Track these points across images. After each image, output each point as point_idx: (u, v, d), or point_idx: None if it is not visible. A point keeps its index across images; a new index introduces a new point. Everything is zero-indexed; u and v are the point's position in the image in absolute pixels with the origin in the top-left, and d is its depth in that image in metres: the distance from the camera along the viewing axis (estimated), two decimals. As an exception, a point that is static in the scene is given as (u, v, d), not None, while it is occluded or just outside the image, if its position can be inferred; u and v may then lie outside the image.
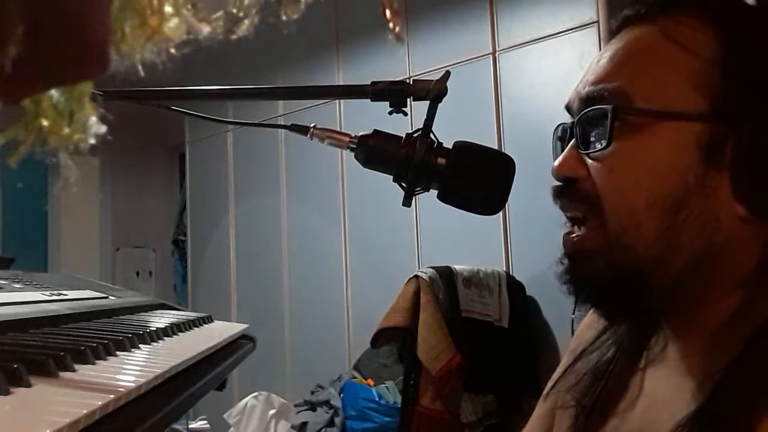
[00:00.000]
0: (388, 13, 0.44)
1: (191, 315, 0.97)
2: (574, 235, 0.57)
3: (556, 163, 0.58)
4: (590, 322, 0.69)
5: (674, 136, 0.52)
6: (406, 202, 0.59)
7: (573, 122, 0.58)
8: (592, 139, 0.55)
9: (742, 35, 0.53)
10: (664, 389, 0.55)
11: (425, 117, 0.58)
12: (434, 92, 0.58)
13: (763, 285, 0.51)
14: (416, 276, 2.23)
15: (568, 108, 0.60)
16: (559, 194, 0.58)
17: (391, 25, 0.45)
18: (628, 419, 0.57)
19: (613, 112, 0.52)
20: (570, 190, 0.57)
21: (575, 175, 0.56)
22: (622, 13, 0.58)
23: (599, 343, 0.65)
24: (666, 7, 0.56)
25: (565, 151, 0.57)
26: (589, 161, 0.56)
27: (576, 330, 0.70)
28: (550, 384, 0.71)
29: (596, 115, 0.54)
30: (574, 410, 0.63)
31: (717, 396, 0.48)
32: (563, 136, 0.60)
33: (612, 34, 0.59)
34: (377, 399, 2.47)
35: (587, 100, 0.56)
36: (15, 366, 0.44)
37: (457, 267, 2.33)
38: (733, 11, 0.54)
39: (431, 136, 0.58)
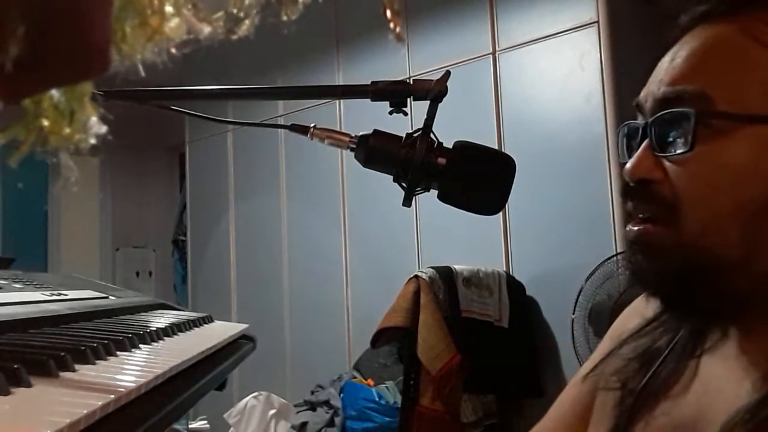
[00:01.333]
0: (388, 13, 0.44)
1: (191, 315, 0.97)
2: (641, 227, 0.55)
3: (630, 164, 0.55)
4: (634, 311, 0.68)
5: (759, 140, 0.51)
6: (406, 202, 0.59)
7: (646, 122, 0.56)
8: (671, 141, 0.53)
9: None
10: (722, 379, 0.55)
11: (425, 117, 0.58)
12: (434, 92, 0.58)
13: None
14: (416, 276, 2.23)
15: (638, 106, 0.58)
16: (631, 195, 0.56)
17: (391, 25, 0.45)
18: (681, 404, 0.57)
19: (696, 115, 0.51)
20: (644, 192, 0.55)
21: (651, 177, 0.54)
22: (697, 9, 0.56)
23: (649, 329, 0.64)
24: (745, 4, 0.53)
25: (639, 151, 0.55)
26: (667, 164, 0.54)
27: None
28: (588, 365, 0.70)
29: (675, 117, 0.53)
30: (619, 393, 0.62)
31: None
32: (632, 134, 0.58)
33: (684, 29, 0.57)
34: (377, 399, 2.47)
35: (664, 101, 0.54)
36: (15, 366, 0.44)
37: (457, 267, 2.33)
38: None
39: (431, 136, 0.58)
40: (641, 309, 0.66)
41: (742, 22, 0.52)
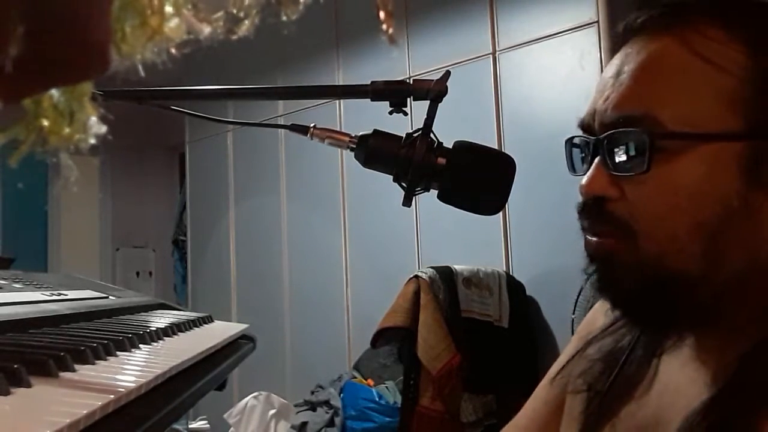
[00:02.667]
0: (382, 14, 0.44)
1: (191, 315, 0.97)
2: (599, 240, 0.55)
3: (585, 180, 0.55)
4: (602, 309, 0.69)
5: (712, 158, 0.50)
6: (406, 202, 0.59)
7: (597, 139, 0.55)
8: (625, 161, 0.53)
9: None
10: (679, 377, 0.55)
11: (425, 117, 0.58)
12: (434, 92, 0.58)
13: None
14: (416, 276, 2.23)
15: (584, 125, 0.58)
16: (586, 213, 0.56)
17: (384, 26, 0.45)
18: (644, 405, 0.57)
19: (649, 137, 0.50)
20: (600, 210, 0.55)
21: (607, 195, 0.54)
22: (636, 19, 0.55)
23: (613, 329, 0.64)
24: (683, 16, 0.53)
25: (593, 168, 0.55)
26: (624, 182, 0.53)
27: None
28: (555, 368, 0.70)
29: (628, 137, 0.52)
30: (586, 395, 0.63)
31: (727, 390, 0.48)
32: (583, 149, 0.58)
33: (623, 39, 0.56)
34: (377, 399, 2.47)
35: (612, 124, 0.54)
36: (15, 366, 0.44)
37: (457, 267, 2.33)
38: (758, 20, 0.52)
39: (431, 136, 0.58)
40: (606, 308, 0.66)
41: (683, 35, 0.52)
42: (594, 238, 0.56)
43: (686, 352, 0.56)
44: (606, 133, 0.54)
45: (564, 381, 0.68)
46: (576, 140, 0.60)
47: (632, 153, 0.52)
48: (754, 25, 0.52)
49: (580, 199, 0.57)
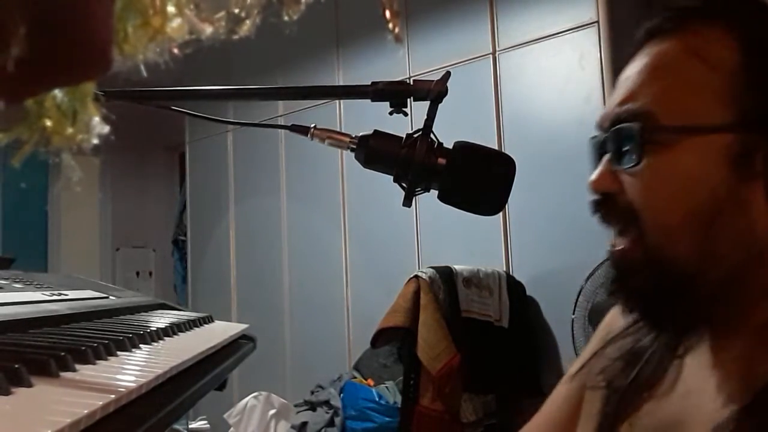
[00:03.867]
0: (387, 13, 0.44)
1: (191, 315, 0.97)
2: (617, 248, 0.58)
3: (592, 177, 0.59)
4: (620, 311, 0.70)
5: (703, 149, 0.52)
6: (407, 203, 0.59)
7: (603, 136, 0.58)
8: (624, 155, 0.56)
9: (763, 44, 0.53)
10: (704, 380, 0.56)
11: (425, 117, 0.58)
12: (434, 92, 0.58)
13: None
14: (416, 276, 2.23)
15: (599, 125, 0.61)
16: (597, 208, 0.59)
17: (390, 25, 0.45)
18: (665, 404, 0.58)
19: (641, 130, 0.54)
20: (607, 204, 0.58)
21: (609, 190, 0.57)
22: (644, 27, 0.59)
23: (634, 329, 0.65)
24: (687, 19, 0.56)
25: (601, 165, 0.58)
26: (624, 177, 0.57)
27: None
28: (576, 365, 0.71)
29: (624, 132, 0.55)
30: (605, 392, 0.63)
31: (758, 402, 0.49)
32: (597, 148, 0.61)
33: (636, 47, 0.60)
34: (377, 399, 2.47)
35: (615, 119, 0.57)
36: (16, 366, 0.44)
37: (457, 267, 2.33)
38: (753, 19, 0.54)
39: (432, 136, 0.58)
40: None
41: (686, 39, 0.55)
42: (613, 250, 0.59)
43: (710, 354, 0.57)
44: (609, 130, 0.57)
45: (583, 378, 0.69)
46: (593, 142, 0.62)
47: (627, 147, 0.55)
48: (748, 26, 0.54)
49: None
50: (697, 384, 0.56)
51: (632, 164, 0.55)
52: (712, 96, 0.53)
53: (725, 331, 0.56)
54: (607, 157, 0.58)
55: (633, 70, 0.58)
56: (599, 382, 0.64)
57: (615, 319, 0.70)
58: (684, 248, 0.53)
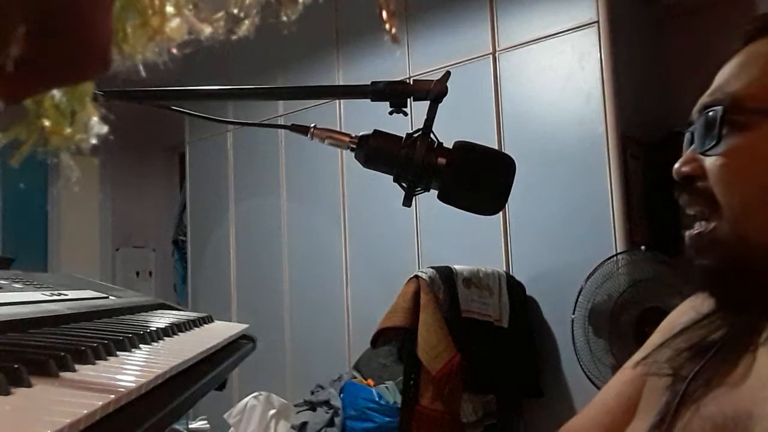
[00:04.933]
0: (384, 14, 0.44)
1: (191, 315, 0.97)
2: (695, 231, 0.61)
3: (676, 164, 0.62)
4: (688, 307, 0.72)
5: None
6: (407, 203, 0.59)
7: (691, 125, 0.62)
8: (706, 140, 0.59)
9: None
10: None
11: (425, 117, 0.58)
12: (434, 92, 0.58)
13: None
14: (416, 276, 2.23)
15: (690, 121, 0.64)
16: (680, 192, 0.63)
17: (387, 26, 0.45)
18: (734, 394, 0.58)
19: (722, 112, 0.58)
20: (688, 188, 0.61)
21: (690, 173, 0.61)
22: (743, 32, 0.63)
23: (705, 323, 0.66)
24: None
25: (686, 153, 0.62)
26: (706, 161, 0.60)
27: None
28: (640, 354, 0.72)
29: (709, 117, 0.59)
30: (670, 379, 0.64)
31: None
32: (687, 140, 0.64)
33: (736, 48, 0.63)
34: (377, 399, 2.47)
35: (704, 107, 0.61)
36: (16, 366, 0.44)
37: (457, 267, 2.33)
38: None
39: (431, 136, 0.58)
40: (696, 305, 0.69)
41: None
42: (690, 232, 0.62)
43: None
44: (696, 120, 0.61)
45: (647, 368, 0.69)
46: (686, 135, 0.66)
47: (712, 131, 0.59)
48: None
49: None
50: None
51: (713, 143, 0.58)
52: None
53: None
54: (693, 145, 0.61)
55: (731, 64, 0.61)
56: (666, 370, 0.65)
57: (681, 314, 0.71)
58: (759, 222, 0.56)
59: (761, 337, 0.59)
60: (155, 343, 0.69)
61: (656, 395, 0.65)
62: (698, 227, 0.61)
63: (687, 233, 0.62)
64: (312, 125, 0.63)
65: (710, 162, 0.59)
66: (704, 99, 0.61)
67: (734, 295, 0.60)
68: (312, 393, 2.78)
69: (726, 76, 0.61)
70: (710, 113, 0.59)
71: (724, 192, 0.58)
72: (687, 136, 0.64)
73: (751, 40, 0.61)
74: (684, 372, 0.63)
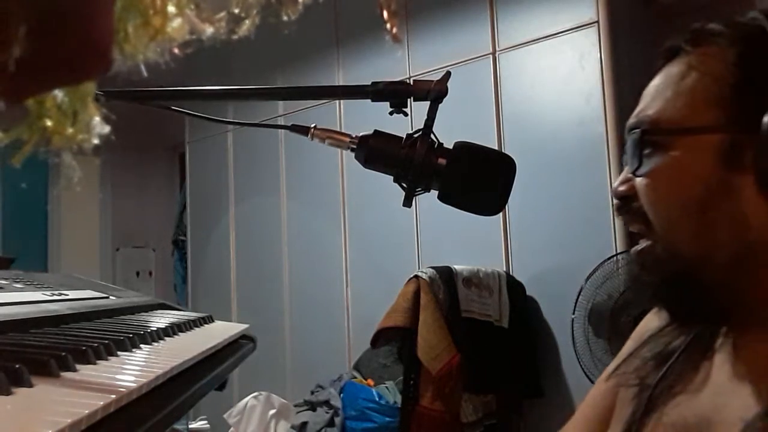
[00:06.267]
0: (385, 14, 0.44)
1: (191, 315, 0.97)
2: (639, 248, 0.64)
3: (615, 183, 0.66)
4: (654, 314, 0.74)
5: (696, 147, 0.58)
6: (407, 203, 0.59)
7: (623, 145, 0.65)
8: (633, 161, 0.62)
9: (755, 60, 0.58)
10: (734, 379, 0.58)
11: (426, 117, 0.58)
12: (435, 93, 0.58)
13: None
14: (416, 276, 2.23)
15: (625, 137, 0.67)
16: (618, 212, 0.66)
17: (388, 26, 0.45)
18: (695, 400, 0.60)
19: (640, 134, 0.61)
20: (624, 207, 0.65)
21: (626, 193, 0.64)
22: (664, 47, 0.66)
23: (667, 331, 0.69)
24: (696, 41, 0.62)
25: (623, 172, 0.65)
26: (636, 180, 0.63)
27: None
28: (612, 366, 0.75)
29: (633, 140, 0.62)
30: (637, 389, 0.67)
31: None
32: (625, 160, 0.66)
33: (657, 66, 0.66)
34: (377, 399, 2.47)
35: (629, 129, 0.64)
36: (16, 366, 0.44)
37: (457, 267, 2.33)
38: (752, 38, 0.59)
39: (432, 136, 0.58)
40: (661, 313, 0.71)
41: (693, 58, 0.61)
42: (635, 248, 0.64)
43: (739, 353, 0.59)
44: (625, 141, 0.64)
45: (618, 378, 0.72)
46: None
47: (634, 152, 0.62)
48: (745, 43, 0.59)
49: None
50: (727, 383, 0.58)
51: (637, 165, 0.61)
52: (705, 101, 0.58)
53: (751, 330, 0.59)
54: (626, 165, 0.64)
55: (651, 85, 0.64)
56: (633, 380, 0.68)
57: (650, 321, 0.74)
58: (684, 236, 0.58)
59: (716, 342, 0.62)
60: (156, 343, 0.69)
61: (625, 406, 0.68)
62: (641, 244, 0.63)
63: (632, 250, 0.65)
64: (312, 125, 0.63)
65: (639, 183, 0.62)
66: (631, 120, 0.64)
67: (681, 308, 0.62)
68: (312, 393, 2.78)
69: (647, 98, 0.64)
70: (633, 136, 0.62)
71: (651, 212, 0.61)
72: (624, 155, 0.66)
73: (671, 57, 0.64)
74: (649, 381, 0.65)
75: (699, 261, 0.58)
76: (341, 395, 2.60)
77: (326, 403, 2.62)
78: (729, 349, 0.60)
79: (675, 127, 0.59)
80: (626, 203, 0.64)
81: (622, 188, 0.65)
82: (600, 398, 0.75)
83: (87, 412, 0.39)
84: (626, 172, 0.64)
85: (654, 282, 0.62)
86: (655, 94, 0.63)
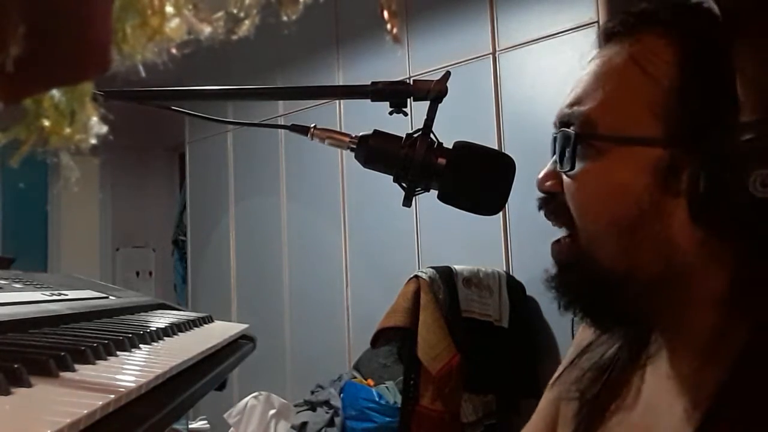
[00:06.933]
0: (386, 14, 0.44)
1: (191, 315, 0.97)
2: (559, 243, 0.60)
3: (538, 176, 0.62)
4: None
5: (632, 160, 0.54)
6: (407, 203, 0.59)
7: (553, 137, 0.60)
8: (564, 158, 0.58)
9: (701, 62, 0.53)
10: (662, 394, 0.57)
11: (425, 117, 0.58)
12: (434, 92, 0.58)
13: (737, 304, 0.52)
14: (416, 276, 2.23)
15: (554, 124, 0.62)
16: (540, 206, 0.63)
17: (389, 26, 0.45)
18: (630, 417, 0.59)
19: (575, 137, 0.56)
20: (550, 203, 0.61)
21: (550, 190, 0.60)
22: (601, 28, 0.61)
23: (603, 339, 0.66)
24: (637, 25, 0.57)
25: (548, 165, 0.61)
26: (564, 177, 0.59)
27: (578, 327, 0.72)
28: (556, 374, 0.73)
29: (565, 136, 0.57)
30: (578, 402, 0.65)
31: (709, 423, 0.50)
32: (551, 146, 0.62)
33: (599, 45, 0.61)
34: (377, 399, 2.47)
35: (561, 121, 0.59)
36: (15, 366, 0.44)
37: (457, 267, 2.33)
38: (698, 33, 0.54)
39: (431, 136, 0.58)
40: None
41: (633, 46, 0.56)
42: (553, 245, 0.61)
43: (667, 366, 0.57)
44: (554, 134, 0.59)
45: (559, 389, 0.70)
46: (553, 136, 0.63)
47: (567, 151, 0.57)
48: (690, 40, 0.54)
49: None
50: (657, 398, 0.57)
51: (568, 168, 0.57)
52: (646, 108, 0.54)
53: (676, 342, 0.57)
54: (555, 157, 0.60)
55: (586, 71, 0.60)
56: (573, 393, 0.66)
57: (588, 328, 0.71)
58: (608, 252, 0.55)
59: (648, 351, 0.60)
60: (155, 343, 0.69)
61: (567, 421, 0.66)
62: (563, 239, 0.60)
63: (552, 245, 0.61)
64: (312, 125, 0.63)
65: (566, 182, 0.58)
66: (563, 110, 0.59)
67: (596, 315, 0.59)
68: (312, 393, 2.78)
69: (583, 86, 0.59)
70: (566, 133, 0.57)
71: (576, 215, 0.57)
72: (551, 143, 0.62)
73: (608, 40, 0.59)
74: (588, 394, 0.63)
75: (619, 276, 0.55)
76: (341, 395, 2.60)
77: (326, 403, 2.62)
78: (660, 361, 0.58)
79: (611, 134, 0.55)
80: (551, 199, 0.61)
81: (549, 183, 0.60)
82: (546, 409, 0.73)
83: (86, 411, 0.39)
84: (553, 166, 0.60)
85: (574, 281, 0.58)
86: (594, 84, 0.58)
